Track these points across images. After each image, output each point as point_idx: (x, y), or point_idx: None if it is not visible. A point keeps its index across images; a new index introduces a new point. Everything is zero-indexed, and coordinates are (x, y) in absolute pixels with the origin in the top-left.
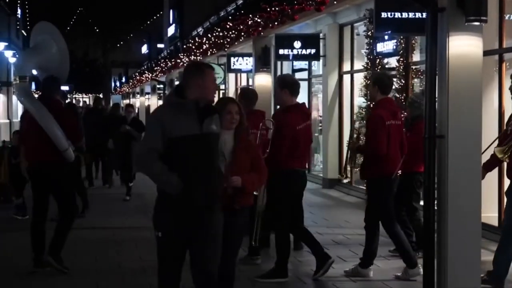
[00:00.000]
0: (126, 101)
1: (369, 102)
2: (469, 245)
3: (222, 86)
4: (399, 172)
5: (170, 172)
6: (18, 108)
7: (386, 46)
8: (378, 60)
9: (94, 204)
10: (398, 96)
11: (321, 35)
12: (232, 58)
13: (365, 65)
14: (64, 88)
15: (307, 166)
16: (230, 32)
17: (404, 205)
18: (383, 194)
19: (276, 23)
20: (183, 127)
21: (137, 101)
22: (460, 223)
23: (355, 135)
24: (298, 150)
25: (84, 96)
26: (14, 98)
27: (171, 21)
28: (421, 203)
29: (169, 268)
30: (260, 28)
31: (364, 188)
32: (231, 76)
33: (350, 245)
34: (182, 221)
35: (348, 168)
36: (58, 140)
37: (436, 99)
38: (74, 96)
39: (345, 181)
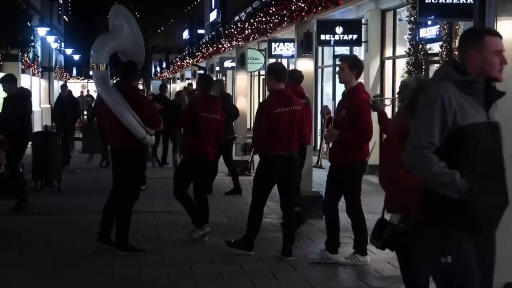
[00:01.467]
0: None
1: None
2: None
3: (263, 72)
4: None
5: (451, 171)
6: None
7: (429, 31)
8: (420, 45)
9: None
10: None
11: (363, 20)
12: (273, 44)
13: (408, 51)
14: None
15: (295, 149)
16: (273, 17)
17: None
18: (358, 178)
19: (319, 8)
20: (471, 113)
21: (177, 87)
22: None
23: (330, 124)
24: (279, 134)
25: None
26: (56, 83)
27: (212, 6)
28: None
29: None
30: (303, 13)
31: None
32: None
33: None
34: (475, 239)
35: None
36: (134, 130)
37: None
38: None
39: None
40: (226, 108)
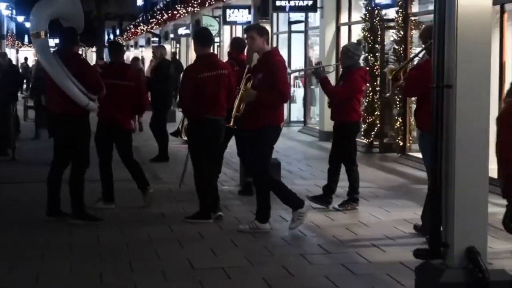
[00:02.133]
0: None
1: (366, 54)
2: (476, 200)
3: (217, 39)
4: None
5: None
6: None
7: None
8: (376, 11)
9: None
10: (396, 47)
11: None
12: (228, 10)
13: (363, 17)
14: (56, 41)
15: (224, 115)
16: None
17: (340, 157)
18: (270, 144)
19: None
20: None
21: (131, 54)
22: (468, 176)
23: (248, 84)
24: (206, 98)
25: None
26: (8, 51)
27: None
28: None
29: None
30: None
31: (362, 140)
32: (226, 29)
33: None
34: None
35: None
36: (75, 97)
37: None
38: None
39: None
40: (168, 75)
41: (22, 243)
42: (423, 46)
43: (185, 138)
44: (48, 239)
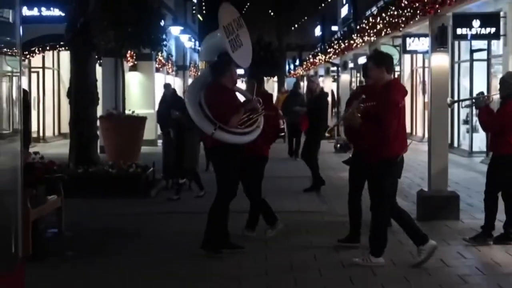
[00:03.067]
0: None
1: None
2: None
3: (397, 68)
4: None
5: None
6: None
7: None
8: None
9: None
10: None
11: (501, 13)
12: (407, 39)
13: None
14: (239, 71)
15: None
16: (405, 11)
17: (496, 188)
18: (392, 175)
19: None
20: None
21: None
22: None
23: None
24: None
25: None
26: (189, 80)
27: (344, 2)
28: None
29: None
30: (437, 5)
31: None
32: (407, 57)
33: None
34: None
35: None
36: (201, 126)
37: None
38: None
39: None
40: (324, 108)
41: (192, 273)
42: None
43: None
44: (216, 271)
